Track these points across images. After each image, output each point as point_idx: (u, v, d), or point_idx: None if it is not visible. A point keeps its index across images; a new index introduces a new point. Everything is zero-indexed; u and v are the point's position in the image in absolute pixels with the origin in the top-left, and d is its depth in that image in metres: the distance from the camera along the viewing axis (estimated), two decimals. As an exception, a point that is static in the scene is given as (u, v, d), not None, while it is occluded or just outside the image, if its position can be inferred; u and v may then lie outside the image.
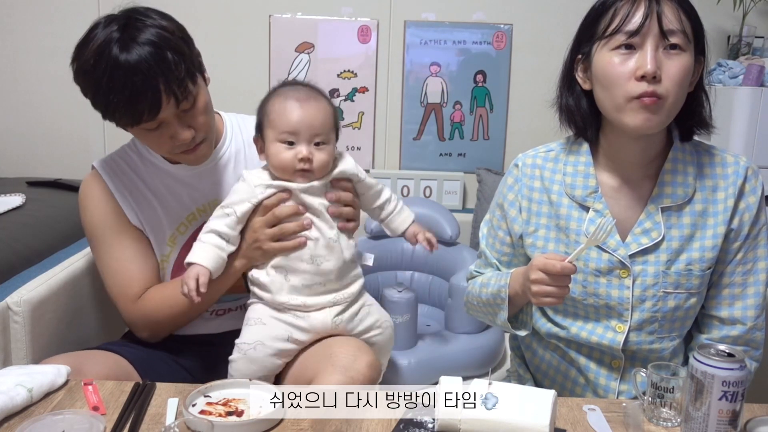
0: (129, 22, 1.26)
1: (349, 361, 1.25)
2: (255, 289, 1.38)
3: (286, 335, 1.33)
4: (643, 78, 1.14)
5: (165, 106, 1.26)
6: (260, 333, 1.34)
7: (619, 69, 1.17)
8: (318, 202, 1.35)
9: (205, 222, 1.47)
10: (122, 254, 1.43)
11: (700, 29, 1.20)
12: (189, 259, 1.32)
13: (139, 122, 1.27)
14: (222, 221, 1.34)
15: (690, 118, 1.25)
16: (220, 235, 1.33)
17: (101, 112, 1.30)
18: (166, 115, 1.28)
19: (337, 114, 1.40)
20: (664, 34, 1.15)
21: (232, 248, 1.35)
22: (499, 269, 1.38)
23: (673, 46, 1.15)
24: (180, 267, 1.47)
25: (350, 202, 1.40)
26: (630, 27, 1.16)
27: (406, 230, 1.49)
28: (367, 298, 1.44)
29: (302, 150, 1.31)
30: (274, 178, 1.36)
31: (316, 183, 1.35)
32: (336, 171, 1.38)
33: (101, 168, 1.45)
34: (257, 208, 1.36)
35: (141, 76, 1.22)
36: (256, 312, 1.36)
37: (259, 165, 1.45)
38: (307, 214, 1.35)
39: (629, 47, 1.16)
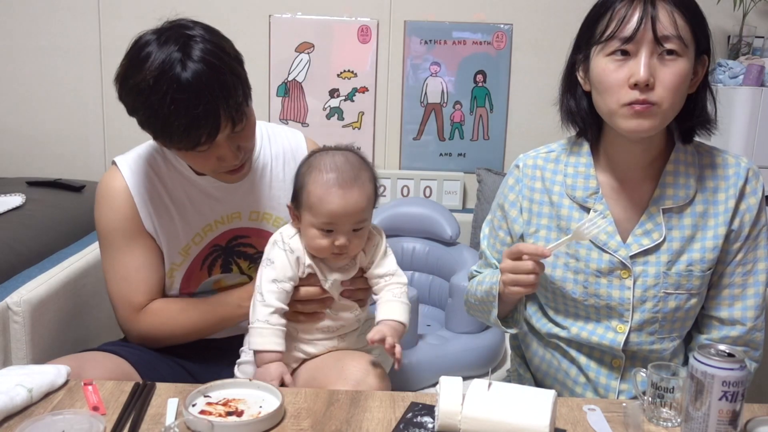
0: (186, 40, 1.22)
1: (361, 375, 1.25)
2: None
3: (292, 346, 1.35)
4: (636, 86, 1.14)
5: (222, 131, 1.24)
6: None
7: (612, 76, 1.17)
8: (339, 291, 1.33)
9: (220, 234, 1.45)
10: (131, 262, 1.40)
11: (702, 29, 1.19)
12: (267, 347, 1.26)
13: (196, 147, 1.24)
14: (281, 299, 1.27)
15: (689, 119, 1.24)
16: (283, 313, 1.28)
17: (153, 132, 1.26)
18: (220, 138, 1.25)
19: (377, 180, 1.32)
20: (658, 40, 1.14)
21: None
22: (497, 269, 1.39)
23: (669, 52, 1.14)
24: (190, 276, 1.46)
25: (365, 286, 1.38)
26: (624, 33, 1.15)
27: (384, 321, 1.31)
28: (368, 314, 1.44)
29: (340, 239, 1.25)
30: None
31: (343, 277, 1.31)
32: (359, 266, 1.33)
33: (123, 166, 1.41)
34: None
35: (204, 100, 1.19)
36: None
37: (284, 182, 1.44)
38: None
39: (624, 53, 1.16)
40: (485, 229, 1.43)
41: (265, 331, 1.27)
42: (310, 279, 1.32)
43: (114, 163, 1.43)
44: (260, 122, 1.52)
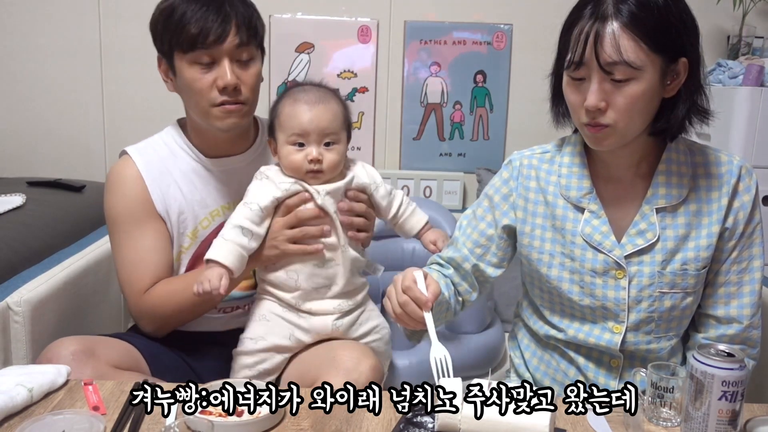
0: None
1: (353, 364, 1.26)
2: (266, 286, 1.40)
3: (287, 333, 1.36)
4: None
5: (230, 38, 1.33)
6: (263, 328, 1.36)
7: (572, 97, 1.18)
8: (334, 209, 1.36)
9: (227, 219, 1.47)
10: (141, 245, 1.42)
11: (670, 38, 1.13)
12: (210, 256, 1.30)
13: (204, 42, 1.32)
14: (245, 216, 1.33)
15: (666, 122, 1.21)
16: (242, 230, 1.32)
17: (171, 30, 1.35)
18: (223, 52, 1.34)
19: (348, 113, 1.41)
20: (603, 68, 1.11)
21: (254, 246, 1.34)
22: (465, 262, 1.36)
23: (617, 79, 1.12)
24: (197, 261, 1.48)
25: (363, 213, 1.40)
26: (575, 58, 1.14)
27: (420, 232, 1.47)
28: (369, 304, 1.46)
29: (312, 151, 1.32)
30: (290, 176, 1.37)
31: (332, 187, 1.35)
32: (348, 179, 1.38)
33: (134, 154, 1.45)
34: (278, 207, 1.36)
35: (225, 3, 1.34)
36: (262, 308, 1.39)
37: None
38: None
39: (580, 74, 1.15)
40: (463, 221, 1.40)
41: (217, 243, 1.31)
42: (301, 200, 1.35)
43: (125, 152, 1.47)
44: (266, 118, 1.54)
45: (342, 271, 1.37)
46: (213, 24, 1.32)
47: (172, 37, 1.35)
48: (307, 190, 1.35)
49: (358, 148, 2.93)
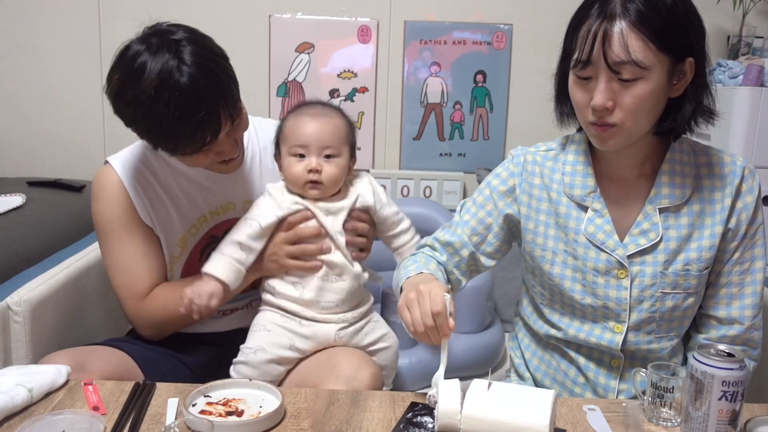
0: (176, 46, 1.23)
1: (353, 371, 1.26)
2: (267, 296, 1.40)
3: (288, 343, 1.35)
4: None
5: (223, 129, 1.28)
6: (263, 339, 1.36)
7: (578, 95, 1.18)
8: (337, 227, 1.37)
9: (216, 225, 1.47)
10: (131, 251, 1.42)
11: (677, 38, 1.13)
12: (207, 270, 1.32)
13: (200, 149, 1.28)
14: (244, 232, 1.35)
15: (672, 122, 1.20)
16: (241, 246, 1.34)
17: (155, 141, 1.29)
18: (221, 136, 1.30)
19: (352, 129, 1.42)
20: (611, 67, 1.11)
21: (251, 260, 1.36)
22: (463, 248, 1.35)
23: (625, 78, 1.11)
24: (190, 269, 1.47)
25: (365, 233, 1.42)
26: (583, 57, 1.14)
27: None
28: (374, 315, 1.46)
29: (311, 161, 1.34)
30: (294, 194, 1.38)
31: (335, 206, 1.37)
32: (352, 199, 1.40)
33: (116, 163, 1.43)
34: (281, 224, 1.37)
35: (206, 103, 1.22)
36: (263, 319, 1.39)
37: (273, 172, 1.47)
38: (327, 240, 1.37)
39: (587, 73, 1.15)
40: (461, 208, 1.39)
41: (215, 257, 1.34)
42: (303, 217, 1.36)
43: (107, 162, 1.45)
44: (249, 116, 1.55)
45: (345, 287, 1.38)
46: (206, 131, 1.25)
47: (163, 145, 1.30)
48: (309, 209, 1.36)
49: (358, 148, 2.92)
